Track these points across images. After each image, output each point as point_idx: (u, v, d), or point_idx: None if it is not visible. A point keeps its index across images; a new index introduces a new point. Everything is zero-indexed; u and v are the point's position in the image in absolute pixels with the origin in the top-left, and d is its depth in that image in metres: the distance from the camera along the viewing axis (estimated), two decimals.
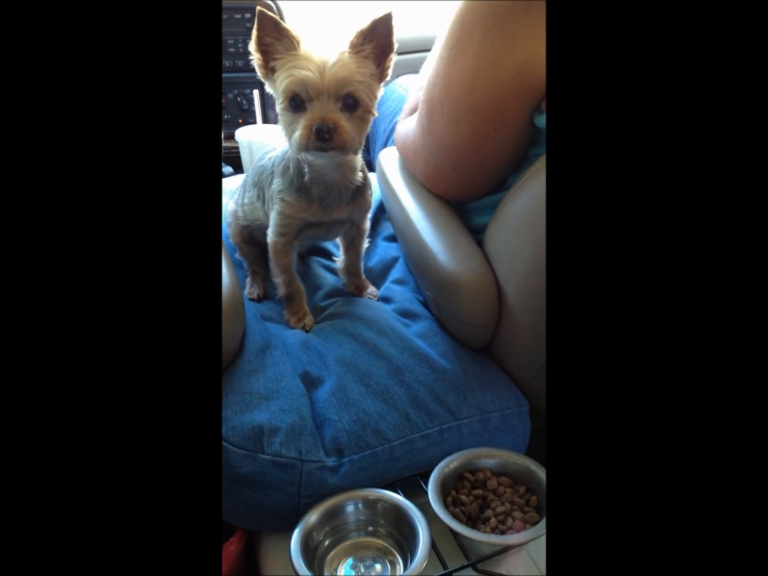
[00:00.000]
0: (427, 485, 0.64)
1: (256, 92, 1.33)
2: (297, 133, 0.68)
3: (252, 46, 0.70)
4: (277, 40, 0.68)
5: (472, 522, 0.63)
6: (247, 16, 1.37)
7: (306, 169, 0.76)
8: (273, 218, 0.81)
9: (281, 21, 0.68)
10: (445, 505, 0.62)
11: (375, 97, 0.71)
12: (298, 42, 0.68)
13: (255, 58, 0.71)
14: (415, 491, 0.66)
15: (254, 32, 0.69)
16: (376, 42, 0.69)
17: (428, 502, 0.62)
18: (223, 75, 1.42)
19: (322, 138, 0.66)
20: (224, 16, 1.37)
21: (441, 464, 0.66)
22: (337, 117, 0.67)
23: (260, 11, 0.68)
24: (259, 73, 0.72)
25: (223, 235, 0.89)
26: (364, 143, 0.75)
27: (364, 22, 0.68)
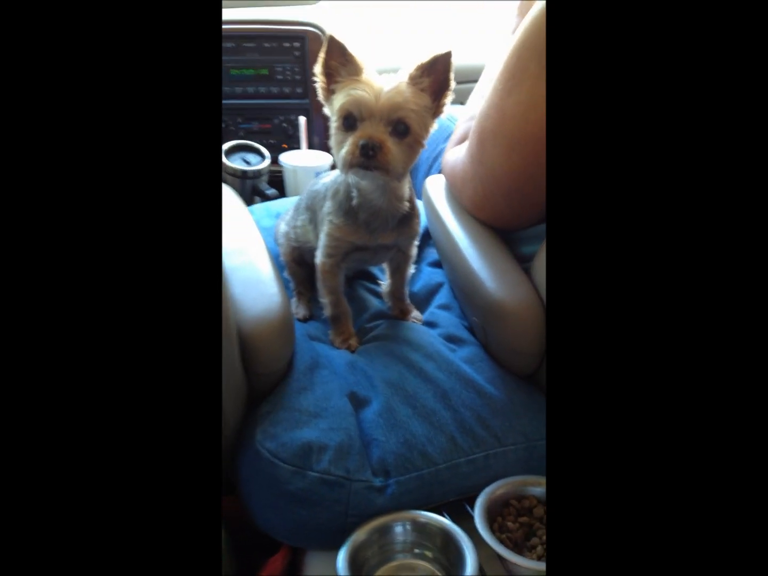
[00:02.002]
0: (473, 510, 0.64)
1: (302, 119, 1.36)
2: (344, 150, 0.69)
3: (318, 68, 0.73)
4: (342, 65, 0.71)
5: (518, 549, 0.63)
6: (296, 44, 1.42)
7: (354, 194, 0.78)
8: (322, 239, 0.83)
9: (348, 47, 0.71)
10: (492, 531, 0.63)
11: (427, 128, 0.73)
12: (361, 68, 0.70)
13: (319, 80, 0.73)
14: (461, 515, 0.66)
15: (321, 55, 0.72)
16: (434, 77, 0.71)
17: (474, 527, 0.62)
18: (271, 101, 1.46)
19: (366, 155, 0.68)
20: (274, 45, 1.42)
21: (487, 490, 0.66)
22: (384, 137, 0.68)
23: (331, 36, 0.71)
24: (320, 94, 0.74)
25: (273, 253, 0.92)
26: (408, 172, 0.77)
27: (425, 56, 0.70)
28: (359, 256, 0.85)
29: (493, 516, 0.65)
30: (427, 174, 1.14)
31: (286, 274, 0.96)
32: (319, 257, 0.85)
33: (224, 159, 1.34)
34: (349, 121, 0.70)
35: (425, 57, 0.70)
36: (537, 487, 0.67)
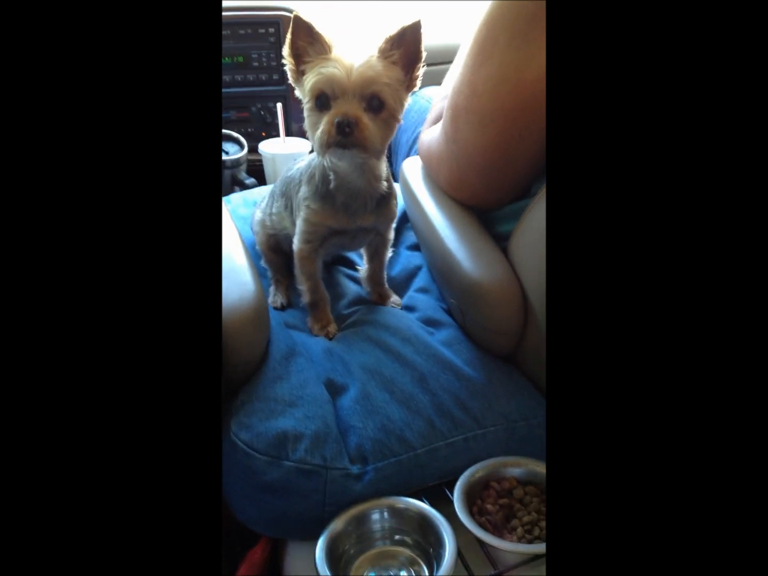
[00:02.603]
0: (452, 494, 0.63)
1: (279, 105, 1.34)
2: (320, 130, 0.68)
3: (285, 50, 0.71)
4: (310, 44, 0.69)
5: (498, 531, 0.62)
6: (271, 30, 1.40)
7: (331, 176, 0.76)
8: (299, 225, 0.82)
9: (314, 26, 0.69)
10: (471, 515, 0.62)
11: (401, 103, 0.71)
12: (330, 47, 0.69)
13: (287, 62, 0.72)
14: (440, 500, 0.65)
15: (288, 36, 0.70)
16: (405, 49, 0.69)
17: (454, 512, 0.61)
18: (247, 89, 1.44)
19: (343, 132, 0.66)
20: (249, 31, 1.40)
21: (466, 473, 0.65)
22: (359, 114, 0.67)
23: (296, 16, 0.69)
24: (290, 77, 0.73)
25: (248, 243, 0.90)
26: (386, 150, 0.75)
27: (393, 28, 0.68)
28: (338, 241, 0.84)
29: (472, 499, 0.64)
30: (407, 157, 1.12)
31: (262, 262, 0.94)
32: (296, 244, 0.83)
33: None
34: (322, 100, 0.68)
35: (394, 29, 0.69)
36: (516, 468, 0.66)
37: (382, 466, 0.66)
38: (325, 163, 0.76)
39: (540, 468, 0.66)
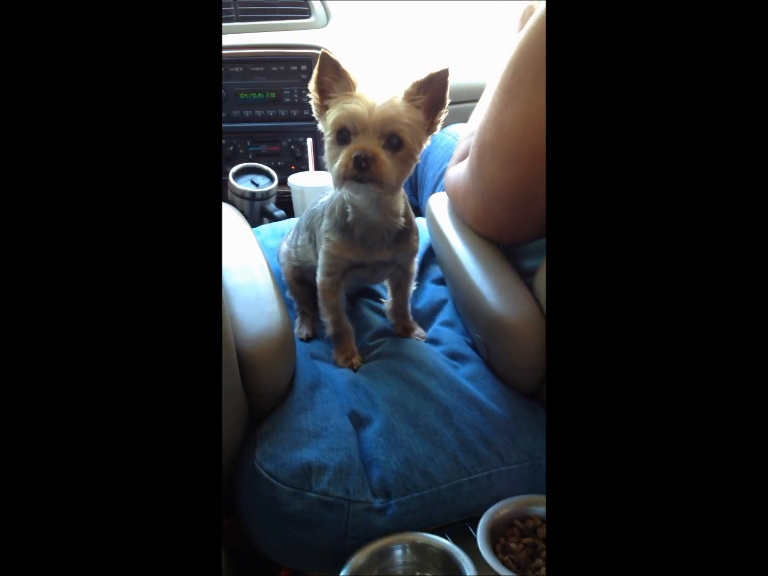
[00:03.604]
0: (475, 531, 0.62)
1: (309, 140, 1.37)
2: (338, 163, 0.69)
3: (311, 85, 0.73)
4: (335, 81, 0.71)
5: (521, 570, 0.61)
6: (303, 68, 1.44)
7: (349, 209, 0.78)
8: (320, 258, 0.83)
9: (341, 64, 0.71)
10: (495, 553, 0.61)
11: (420, 144, 0.73)
12: (354, 84, 0.71)
13: (312, 96, 0.74)
14: (463, 537, 0.65)
15: (315, 71, 0.72)
16: (430, 94, 0.71)
17: (477, 549, 0.60)
18: (279, 124, 1.48)
19: (360, 167, 0.67)
20: (281, 68, 1.44)
21: (490, 510, 0.65)
22: (377, 150, 0.68)
23: (324, 53, 0.71)
24: (314, 110, 0.75)
25: (276, 273, 0.92)
26: (407, 188, 0.76)
27: (421, 73, 0.70)
28: (358, 274, 0.85)
29: (496, 537, 0.64)
30: (433, 192, 1.14)
31: (288, 294, 0.96)
32: (318, 276, 0.84)
33: (232, 181, 1.36)
34: (343, 134, 0.70)
35: (422, 75, 0.71)
36: (541, 506, 0.65)
37: (405, 500, 0.66)
38: (344, 197, 0.77)
39: None
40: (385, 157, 0.68)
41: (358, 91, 0.71)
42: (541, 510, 0.66)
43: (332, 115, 0.70)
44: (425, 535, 0.64)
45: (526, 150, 0.69)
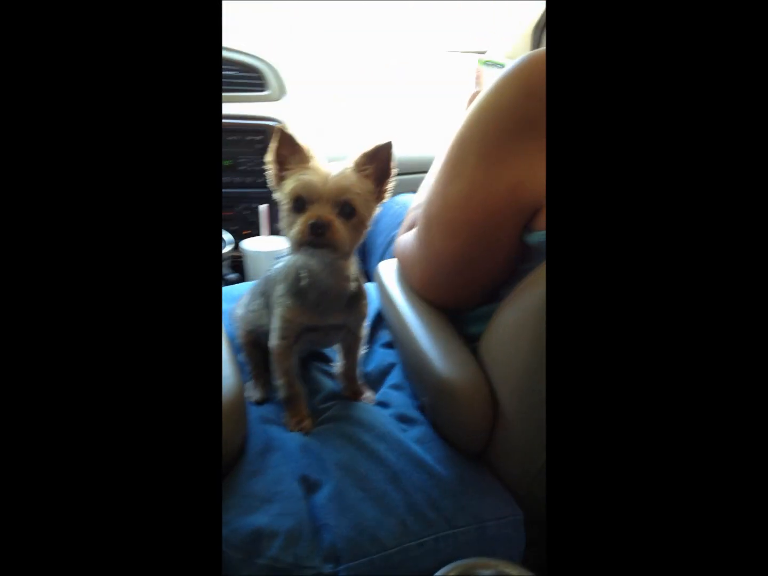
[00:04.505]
0: None
1: (263, 207, 1.41)
2: (295, 229, 0.73)
3: (269, 157, 0.77)
4: (291, 153, 0.76)
5: None
6: (258, 138, 1.49)
7: (303, 274, 0.81)
8: (274, 322, 0.85)
9: (296, 138, 0.76)
10: None
11: (371, 211, 0.77)
12: (309, 156, 0.75)
13: (271, 168, 0.78)
14: None
15: (273, 145, 0.76)
16: (377, 165, 0.76)
17: None
18: (233, 190, 1.52)
19: (316, 233, 0.71)
20: (237, 137, 1.49)
21: (438, 573, 0.65)
22: (332, 217, 0.72)
23: (280, 128, 0.76)
24: (272, 181, 0.79)
25: (230, 336, 0.93)
26: (356, 254, 0.80)
27: (368, 145, 0.75)
28: (311, 337, 0.87)
29: None
30: (382, 259, 1.18)
31: (241, 357, 0.96)
32: (272, 340, 0.86)
33: None
34: (299, 203, 0.74)
35: (369, 146, 0.76)
36: (487, 570, 0.66)
37: (354, 565, 0.66)
38: (298, 263, 0.80)
39: (511, 570, 0.67)
40: (339, 224, 0.72)
41: (313, 162, 0.75)
42: (486, 573, 0.67)
43: (289, 185, 0.74)
44: None
45: (468, 223, 0.74)
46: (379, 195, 0.78)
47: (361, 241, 0.79)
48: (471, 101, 1.05)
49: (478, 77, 1.11)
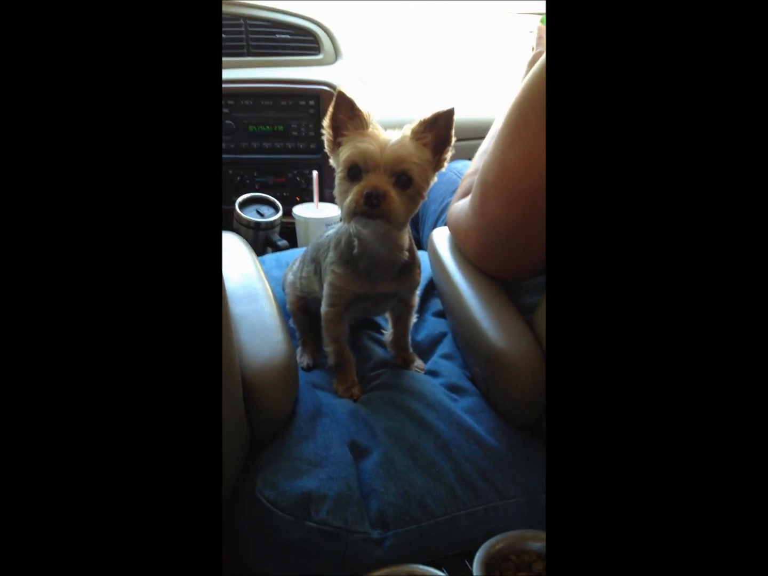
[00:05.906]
0: (471, 564, 0.63)
1: (315, 173, 1.41)
2: (349, 198, 0.71)
3: (326, 122, 0.76)
4: (349, 119, 0.74)
5: None
6: (311, 103, 1.48)
7: (355, 243, 0.80)
8: (325, 289, 0.85)
9: (356, 102, 0.73)
10: None
11: (428, 181, 0.75)
12: (367, 123, 0.73)
13: (326, 133, 0.76)
14: (459, 570, 0.65)
15: (330, 109, 0.75)
16: (436, 133, 0.73)
17: None
18: (285, 156, 1.52)
19: (370, 203, 0.69)
20: (290, 102, 1.48)
21: (486, 544, 0.65)
22: (388, 188, 0.70)
23: (340, 91, 0.74)
24: (326, 146, 0.77)
25: (281, 302, 0.93)
26: (409, 221, 0.79)
27: (427, 112, 0.73)
28: (361, 306, 0.86)
29: (491, 570, 0.64)
30: (434, 227, 1.16)
31: (291, 323, 0.97)
32: (323, 307, 0.86)
33: (238, 210, 1.39)
34: (354, 171, 0.72)
35: (428, 113, 0.73)
36: (537, 542, 0.66)
37: (402, 532, 0.66)
38: (351, 230, 0.79)
39: None
40: (394, 194, 0.70)
41: (371, 129, 0.73)
42: (536, 545, 0.66)
43: (345, 152, 0.73)
44: (422, 567, 0.64)
45: (527, 191, 0.71)
46: (436, 164, 0.75)
47: (416, 210, 0.77)
48: (532, 63, 1.01)
49: (540, 37, 1.06)
